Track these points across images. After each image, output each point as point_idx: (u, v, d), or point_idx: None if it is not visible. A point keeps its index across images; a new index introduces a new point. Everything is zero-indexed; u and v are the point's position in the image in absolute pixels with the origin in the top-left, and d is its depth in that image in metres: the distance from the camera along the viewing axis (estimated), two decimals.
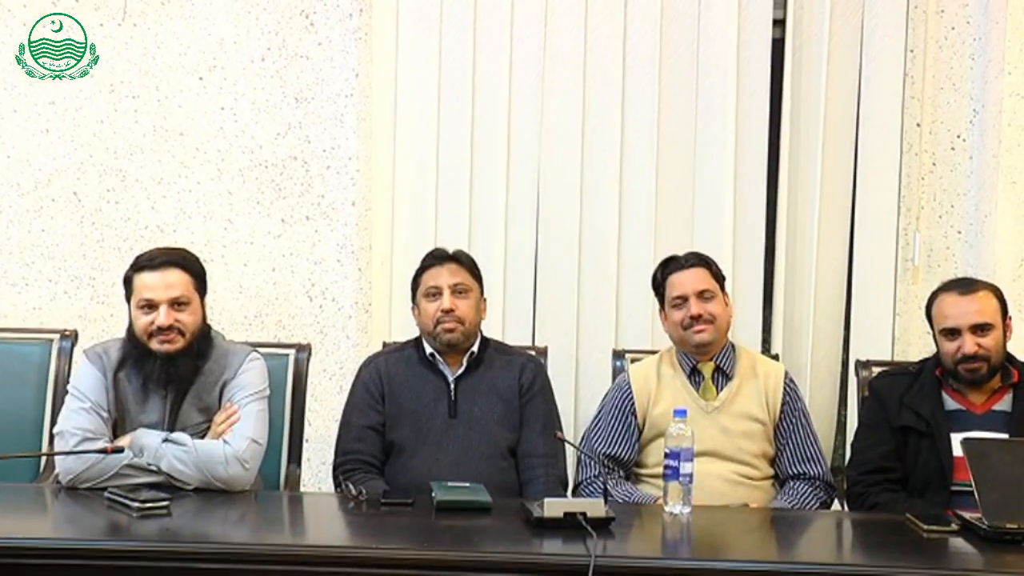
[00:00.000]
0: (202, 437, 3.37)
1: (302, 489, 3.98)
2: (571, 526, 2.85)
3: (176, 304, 3.41)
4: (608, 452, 3.69)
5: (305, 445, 3.99)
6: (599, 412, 3.83)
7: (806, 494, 3.63)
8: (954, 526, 3.00)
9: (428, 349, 3.77)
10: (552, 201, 4.65)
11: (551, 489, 3.55)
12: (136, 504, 2.96)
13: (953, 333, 3.53)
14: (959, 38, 4.56)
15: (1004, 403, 3.56)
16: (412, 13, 4.62)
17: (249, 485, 3.35)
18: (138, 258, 3.49)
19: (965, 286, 3.61)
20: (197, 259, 3.55)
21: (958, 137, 4.58)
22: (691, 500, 3.10)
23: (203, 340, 3.48)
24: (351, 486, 3.32)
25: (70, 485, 3.24)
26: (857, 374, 4.06)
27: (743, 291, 4.57)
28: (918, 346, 4.48)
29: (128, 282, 3.47)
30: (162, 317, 3.38)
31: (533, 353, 4.03)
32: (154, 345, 3.40)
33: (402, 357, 3.82)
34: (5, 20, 4.60)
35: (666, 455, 3.11)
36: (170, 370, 3.42)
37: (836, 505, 3.76)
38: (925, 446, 3.54)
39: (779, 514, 3.50)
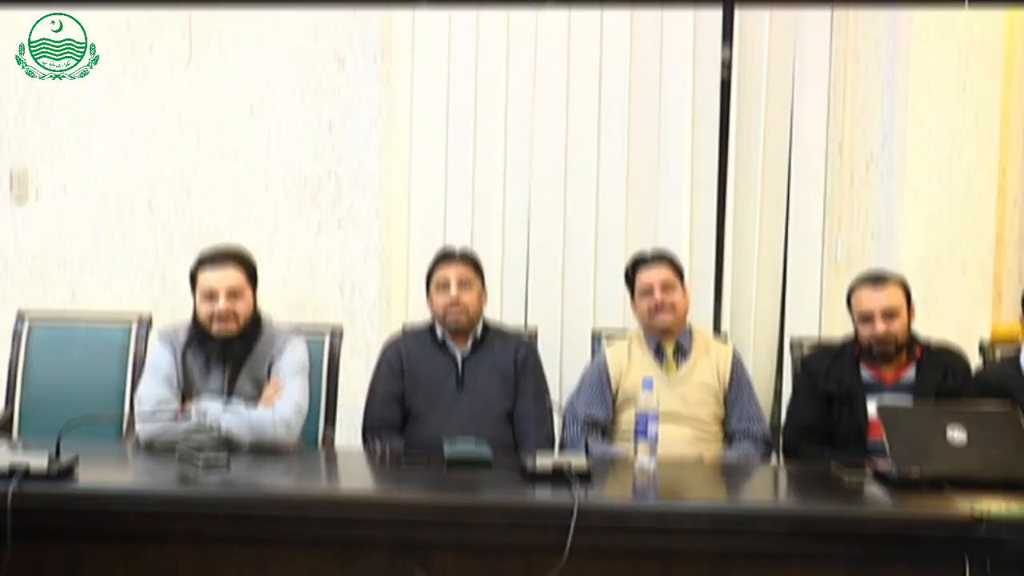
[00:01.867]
0: (254, 405, 3.37)
1: (336, 446, 3.98)
2: (558, 477, 2.85)
3: (232, 295, 3.40)
4: (588, 415, 3.70)
5: (338, 411, 3.98)
6: (581, 382, 3.82)
7: (750, 449, 3.64)
8: (869, 473, 3.02)
9: (439, 332, 3.77)
10: (541, 208, 4.63)
11: (541, 446, 3.55)
12: (201, 460, 2.96)
13: (868, 318, 3.55)
14: (873, 78, 4.56)
15: (909, 375, 3.57)
16: (425, 57, 4.61)
17: (293, 445, 3.34)
18: (201, 256, 3.49)
19: (877, 280, 3.62)
20: (250, 257, 3.54)
21: (872, 157, 4.59)
22: (656, 455, 3.10)
23: (254, 324, 3.48)
24: (377, 444, 3.32)
25: (147, 444, 3.24)
26: (791, 350, 4.07)
27: (698, 281, 4.55)
28: (840, 327, 4.42)
29: (193, 277, 3.47)
30: (221, 305, 3.38)
31: (526, 336, 4.03)
32: (214, 329, 3.40)
33: (418, 338, 3.81)
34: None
35: (636, 418, 3.11)
36: (227, 349, 3.42)
37: (773, 458, 3.77)
38: (846, 410, 3.55)
39: (728, 465, 3.51)
